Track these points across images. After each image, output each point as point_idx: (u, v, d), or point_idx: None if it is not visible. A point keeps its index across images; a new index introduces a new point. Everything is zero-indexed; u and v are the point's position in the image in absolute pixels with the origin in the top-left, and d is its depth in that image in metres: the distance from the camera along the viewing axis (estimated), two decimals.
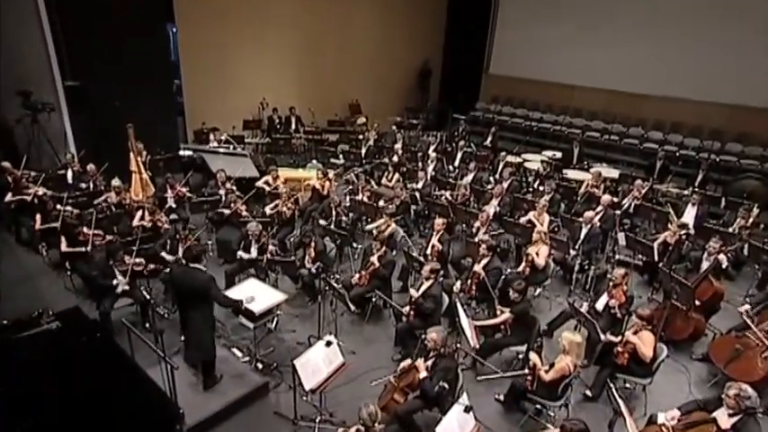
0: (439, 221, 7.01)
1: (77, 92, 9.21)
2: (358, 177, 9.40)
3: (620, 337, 5.29)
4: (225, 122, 11.72)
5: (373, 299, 6.61)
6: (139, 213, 7.23)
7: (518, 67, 15.34)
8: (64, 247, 6.39)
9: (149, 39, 10.09)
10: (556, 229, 8.60)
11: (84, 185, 8.32)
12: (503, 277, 6.39)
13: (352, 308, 5.65)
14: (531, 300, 6.81)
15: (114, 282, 5.81)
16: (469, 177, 9.80)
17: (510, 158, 11.06)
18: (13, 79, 8.60)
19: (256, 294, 5.46)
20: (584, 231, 7.55)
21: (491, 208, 8.40)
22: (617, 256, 8.01)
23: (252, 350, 5.71)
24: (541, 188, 9.36)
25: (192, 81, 11.72)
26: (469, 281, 6.25)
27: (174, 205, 8.31)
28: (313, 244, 6.73)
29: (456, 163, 11.09)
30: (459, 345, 4.91)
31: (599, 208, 8.26)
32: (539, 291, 7.08)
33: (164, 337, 4.07)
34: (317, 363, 4.52)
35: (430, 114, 15.97)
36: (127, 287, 5.86)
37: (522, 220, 8.03)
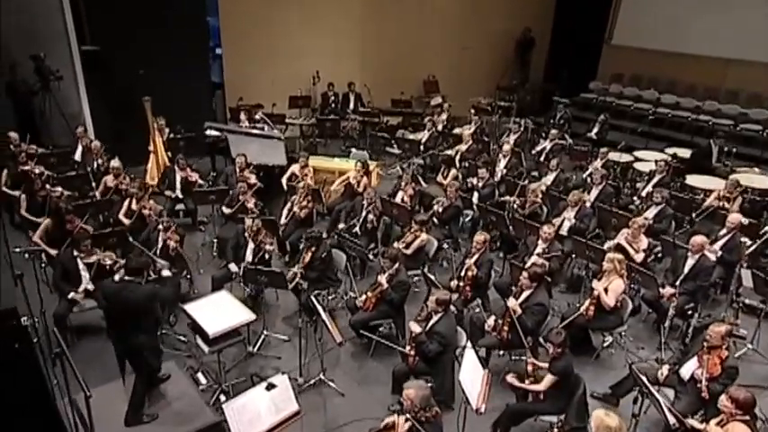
0: (479, 238, 6.34)
1: (96, 58, 9.68)
2: (405, 171, 8.90)
3: (703, 425, 4.36)
4: (270, 99, 11.80)
5: (380, 328, 6.17)
6: (126, 203, 7.35)
7: (652, 35, 13.83)
8: (36, 237, 6.64)
9: None
10: (659, 256, 7.55)
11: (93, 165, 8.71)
12: (548, 318, 5.61)
13: (338, 338, 5.23)
14: (599, 350, 6.05)
15: (81, 287, 5.92)
16: (549, 178, 8.92)
17: (613, 156, 9.93)
18: (28, 42, 9.24)
19: (220, 311, 5.25)
20: (689, 262, 6.46)
21: (566, 222, 7.53)
22: (740, 300, 6.77)
23: (216, 378, 5.54)
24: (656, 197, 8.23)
25: (232, 48, 11.96)
26: (501, 319, 5.54)
27: (180, 195, 8.44)
28: (313, 248, 6.42)
29: (542, 158, 10.19)
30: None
31: (722, 231, 7.08)
32: (609, 339, 6.20)
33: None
34: (257, 410, 4.16)
35: (528, 96, 15.01)
36: (91, 286, 5.94)
37: (611, 243, 7.11)
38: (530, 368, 4.96)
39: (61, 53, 9.59)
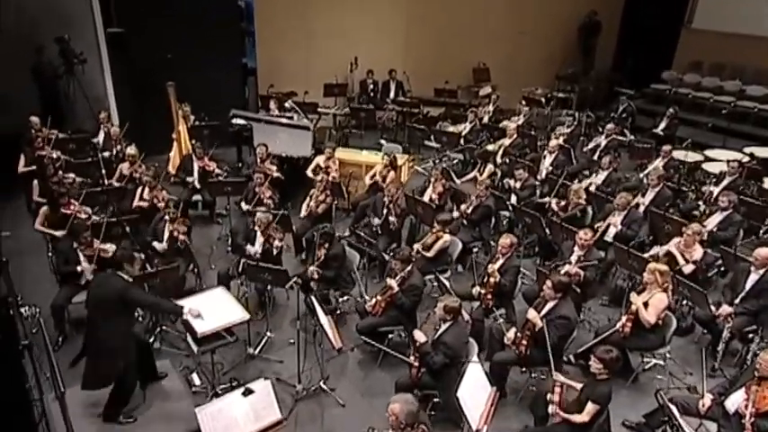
0: (505, 241, 6.12)
1: (121, 40, 10.00)
2: (434, 166, 8.75)
3: None
4: (304, 86, 11.92)
5: (390, 335, 6.07)
6: (139, 192, 7.55)
7: (739, 18, 13.11)
8: (38, 224, 6.90)
9: None
10: (722, 269, 7.09)
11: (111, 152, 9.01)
12: (575, 333, 5.35)
13: (336, 344, 5.16)
14: (638, 372, 5.75)
15: (79, 269, 6.11)
16: (599, 178, 8.56)
17: (678, 154, 9.45)
18: (54, 23, 9.64)
19: (214, 309, 5.29)
20: (752, 278, 6.04)
21: (611, 227, 7.19)
22: None
23: (212, 379, 5.58)
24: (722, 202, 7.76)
25: (267, 31, 12.12)
26: (521, 332, 5.33)
27: (197, 185, 8.60)
28: (326, 245, 6.40)
29: (595, 156, 9.80)
30: None
31: None
32: (651, 362, 5.90)
33: None
34: (233, 417, 4.16)
35: (590, 86, 14.50)
36: (92, 277, 6.11)
37: (659, 250, 6.76)
38: (557, 389, 4.69)
39: (86, 35, 9.95)
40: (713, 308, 5.94)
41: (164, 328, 6.29)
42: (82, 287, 6.06)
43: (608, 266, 7.15)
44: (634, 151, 10.37)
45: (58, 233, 6.68)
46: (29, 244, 7.72)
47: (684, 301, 6.60)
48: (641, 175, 8.98)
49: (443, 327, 5.08)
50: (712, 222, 7.45)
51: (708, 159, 9.77)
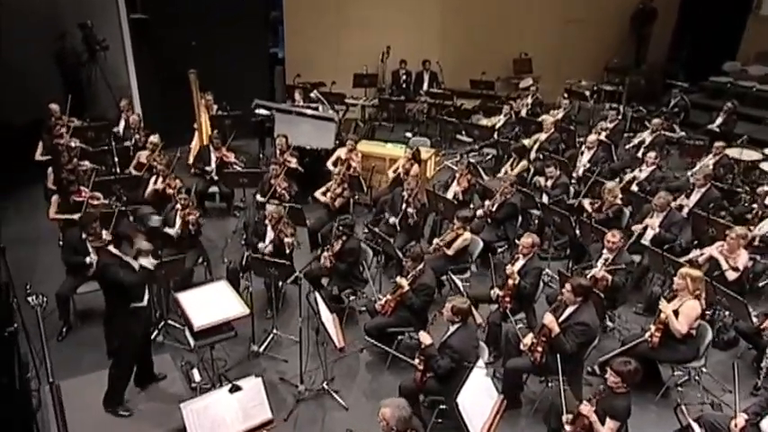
0: (527, 240, 5.99)
1: (145, 27, 10.21)
2: (460, 161, 8.64)
3: None
4: (332, 77, 11.94)
5: (400, 337, 6.04)
6: (152, 180, 7.70)
7: None
8: (52, 214, 7.10)
9: None
10: None
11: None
12: (595, 341, 5.18)
13: (338, 343, 5.14)
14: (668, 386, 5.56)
15: (88, 260, 6.26)
16: (642, 174, 8.33)
17: (732, 152, 9.12)
18: (78, 9, 9.93)
19: (213, 302, 5.34)
20: None
21: (649, 229, 6.96)
22: None
23: (211, 376, 5.64)
24: None
25: (295, 19, 12.21)
26: (536, 338, 5.20)
27: (215, 176, 8.72)
28: (344, 238, 6.42)
29: (639, 153, 9.51)
30: None
31: None
32: (683, 376, 5.73)
33: None
34: (221, 414, 4.18)
35: (642, 79, 14.11)
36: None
37: (697, 254, 6.53)
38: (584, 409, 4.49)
39: (110, 22, 10.21)
40: (755, 319, 5.68)
41: (169, 321, 6.40)
42: (88, 278, 6.24)
43: (643, 272, 6.94)
44: (685, 149, 10.06)
45: (75, 216, 6.83)
46: (44, 232, 7.97)
47: (727, 312, 6.34)
48: (688, 174, 8.65)
49: (451, 329, 5.02)
50: (765, 227, 7.15)
51: (765, 158, 9.36)
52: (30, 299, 5.22)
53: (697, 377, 5.72)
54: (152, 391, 5.46)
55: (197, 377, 5.76)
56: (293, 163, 8.58)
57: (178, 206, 6.88)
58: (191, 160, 9.74)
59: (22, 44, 9.34)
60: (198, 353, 5.96)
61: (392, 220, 7.43)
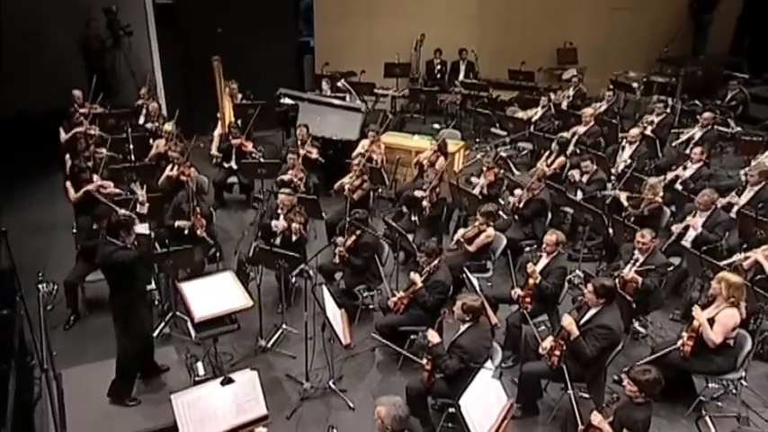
0: (551, 238, 5.85)
1: (170, 13, 10.37)
2: (486, 154, 8.49)
3: None
4: (363, 66, 11.97)
5: (413, 336, 5.99)
6: (168, 169, 7.81)
7: None
8: (72, 198, 7.22)
9: None
10: None
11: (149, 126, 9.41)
12: (619, 347, 5.02)
13: (345, 340, 5.10)
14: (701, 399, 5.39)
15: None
16: (687, 172, 8.05)
17: None
18: None
19: (217, 294, 5.38)
20: None
21: (690, 229, 6.72)
22: None
23: (215, 370, 5.68)
24: None
25: (327, 8, 12.28)
26: (555, 341, 5.07)
27: (234, 165, 8.80)
28: (358, 232, 6.44)
29: (687, 149, 9.20)
30: None
31: None
32: (719, 389, 5.50)
33: None
34: (213, 408, 4.19)
35: (699, 70, 13.65)
36: None
37: (740, 257, 6.25)
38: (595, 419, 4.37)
39: (134, 7, 10.40)
40: None
41: (177, 313, 6.47)
42: (97, 265, 6.36)
43: (682, 275, 6.71)
44: (741, 145, 9.69)
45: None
46: (61, 219, 8.20)
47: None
48: (741, 172, 8.33)
49: (462, 328, 4.96)
50: None
51: None
52: (40, 286, 5.37)
53: (734, 390, 5.48)
54: (154, 383, 5.51)
55: (201, 371, 5.77)
56: (314, 154, 8.59)
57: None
58: (213, 150, 9.85)
59: (53, 29, 9.62)
60: (204, 346, 6.03)
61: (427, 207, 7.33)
